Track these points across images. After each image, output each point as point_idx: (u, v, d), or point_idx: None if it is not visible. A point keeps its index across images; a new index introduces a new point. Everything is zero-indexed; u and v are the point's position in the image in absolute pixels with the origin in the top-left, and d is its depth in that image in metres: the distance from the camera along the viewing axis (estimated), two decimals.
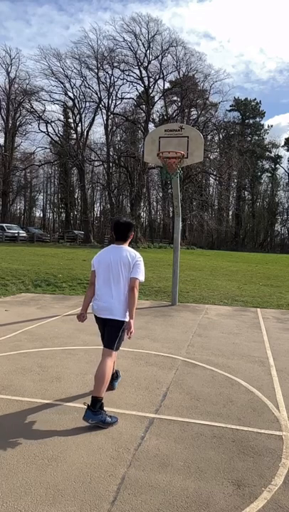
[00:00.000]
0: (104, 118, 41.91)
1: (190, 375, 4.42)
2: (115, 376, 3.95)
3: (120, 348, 3.75)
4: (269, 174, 62.95)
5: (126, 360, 4.87)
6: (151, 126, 40.57)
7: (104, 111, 41.60)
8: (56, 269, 13.36)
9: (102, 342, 3.58)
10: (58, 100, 41.75)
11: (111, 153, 42.72)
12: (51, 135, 42.34)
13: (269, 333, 6.63)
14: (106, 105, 41.18)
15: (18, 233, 35.59)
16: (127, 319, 3.43)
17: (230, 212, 60.90)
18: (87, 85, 40.26)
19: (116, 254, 3.53)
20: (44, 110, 41.04)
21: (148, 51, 39.67)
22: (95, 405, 3.14)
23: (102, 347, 3.53)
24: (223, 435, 3.08)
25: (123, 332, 3.46)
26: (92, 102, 41.24)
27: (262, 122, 62.80)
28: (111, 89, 40.68)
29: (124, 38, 38.99)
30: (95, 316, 3.66)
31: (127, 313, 3.44)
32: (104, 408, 3.25)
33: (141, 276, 3.50)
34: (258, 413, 3.50)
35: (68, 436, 2.95)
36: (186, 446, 2.89)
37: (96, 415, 3.12)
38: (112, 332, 3.46)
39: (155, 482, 2.45)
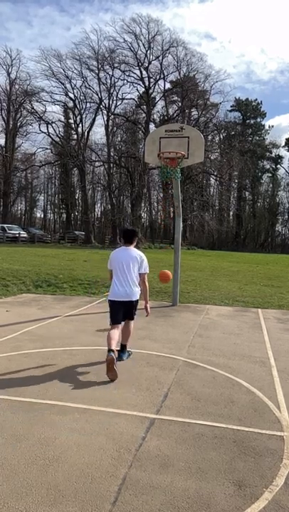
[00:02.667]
0: (105, 119, 42.00)
1: (191, 376, 4.42)
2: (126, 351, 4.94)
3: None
4: (270, 174, 62.86)
5: (127, 360, 4.87)
6: (151, 126, 40.64)
7: (104, 111, 41.67)
8: (57, 270, 13.36)
9: (116, 318, 4.68)
10: (58, 101, 41.86)
11: (112, 154, 42.74)
12: (52, 136, 42.40)
13: (270, 334, 6.62)
14: (106, 106, 41.24)
15: (19, 234, 35.62)
16: (138, 298, 4.80)
17: (231, 213, 60.84)
18: (87, 86, 40.35)
19: (128, 255, 4.77)
20: (45, 111, 41.12)
21: (148, 52, 39.77)
22: (124, 349, 4.90)
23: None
24: (224, 436, 3.07)
25: (136, 306, 4.86)
26: (93, 102, 41.31)
27: (263, 123, 62.80)
28: (111, 90, 40.75)
29: (124, 38, 39.10)
30: (114, 301, 4.72)
31: (138, 294, 4.77)
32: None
33: (148, 270, 4.86)
34: (259, 414, 3.50)
35: (69, 437, 2.95)
36: (187, 447, 2.89)
37: (124, 353, 4.87)
38: (131, 309, 4.81)
39: (156, 483, 2.44)
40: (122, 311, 4.69)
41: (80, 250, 27.31)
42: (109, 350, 4.24)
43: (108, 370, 4.12)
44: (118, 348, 4.64)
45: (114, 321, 4.64)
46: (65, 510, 2.17)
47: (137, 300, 4.78)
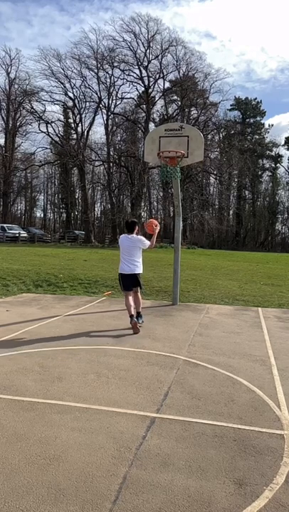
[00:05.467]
0: (105, 118, 41.96)
1: (191, 375, 4.42)
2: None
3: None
4: (269, 173, 62.87)
5: (127, 359, 4.87)
6: (151, 125, 40.59)
7: (104, 111, 41.63)
8: (57, 270, 13.36)
9: (126, 287, 6.50)
10: (58, 100, 41.81)
11: (111, 153, 42.73)
12: (51, 135, 42.38)
13: (270, 332, 6.63)
14: (106, 105, 41.20)
15: (19, 233, 35.62)
16: (141, 272, 6.59)
17: (231, 212, 60.79)
18: (87, 85, 40.30)
19: (131, 241, 6.50)
20: (44, 110, 41.12)
21: (148, 51, 39.69)
22: (139, 314, 6.62)
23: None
24: (225, 434, 3.08)
25: (141, 279, 6.60)
26: (92, 102, 41.27)
27: (262, 121, 62.75)
28: (111, 89, 40.72)
29: (123, 37, 39.01)
30: (124, 274, 6.49)
31: (141, 268, 6.57)
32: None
33: (148, 243, 6.56)
34: (259, 412, 3.50)
35: (70, 436, 2.95)
36: (188, 446, 2.89)
37: (140, 318, 6.61)
38: (137, 280, 6.53)
39: (157, 481, 2.45)
40: (129, 281, 6.47)
41: (80, 250, 27.31)
42: (131, 316, 6.21)
43: (134, 329, 6.13)
44: (134, 314, 6.34)
45: (126, 289, 6.51)
46: (66, 509, 2.17)
47: (140, 273, 6.57)
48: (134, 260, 6.48)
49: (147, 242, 6.53)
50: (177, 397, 3.78)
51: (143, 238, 6.53)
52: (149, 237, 6.90)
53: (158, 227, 7.17)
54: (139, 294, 6.64)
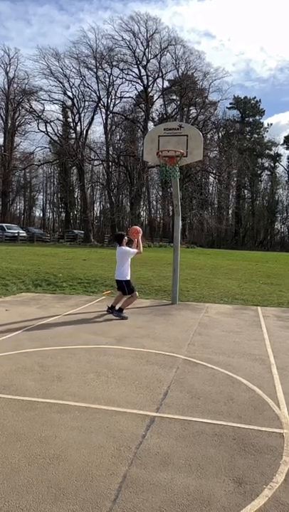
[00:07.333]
0: (104, 117, 41.91)
1: (191, 374, 4.43)
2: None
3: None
4: (268, 172, 62.91)
5: (127, 359, 4.88)
6: (150, 125, 40.53)
7: (103, 110, 41.58)
8: (56, 269, 13.36)
9: (118, 292, 7.78)
10: (57, 100, 41.73)
11: (110, 153, 42.66)
12: (50, 135, 42.31)
13: (269, 331, 6.63)
14: (105, 104, 41.17)
15: (18, 233, 35.60)
16: (127, 279, 7.50)
17: (230, 211, 60.84)
18: (86, 85, 40.25)
19: (118, 252, 7.49)
20: (43, 110, 41.05)
21: (147, 50, 39.66)
22: (121, 309, 7.38)
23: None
24: (224, 433, 3.08)
25: (126, 285, 7.48)
26: (92, 101, 41.22)
27: (261, 120, 62.78)
28: (110, 89, 40.67)
29: (122, 37, 38.95)
30: (115, 279, 7.73)
31: (127, 277, 7.50)
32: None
33: (135, 251, 7.56)
34: (258, 411, 3.51)
35: (69, 435, 2.96)
36: (187, 445, 2.89)
37: (118, 313, 7.30)
38: (122, 287, 7.51)
39: (156, 480, 2.45)
40: (117, 285, 7.67)
41: (80, 249, 27.30)
42: (112, 306, 7.51)
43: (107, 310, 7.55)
44: (117, 308, 7.44)
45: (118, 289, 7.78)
46: (66, 508, 2.18)
47: (126, 280, 7.49)
48: (120, 269, 7.50)
49: (133, 251, 7.51)
50: (177, 396, 3.78)
51: (128, 249, 7.53)
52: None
53: (140, 233, 7.84)
54: (124, 297, 7.59)
